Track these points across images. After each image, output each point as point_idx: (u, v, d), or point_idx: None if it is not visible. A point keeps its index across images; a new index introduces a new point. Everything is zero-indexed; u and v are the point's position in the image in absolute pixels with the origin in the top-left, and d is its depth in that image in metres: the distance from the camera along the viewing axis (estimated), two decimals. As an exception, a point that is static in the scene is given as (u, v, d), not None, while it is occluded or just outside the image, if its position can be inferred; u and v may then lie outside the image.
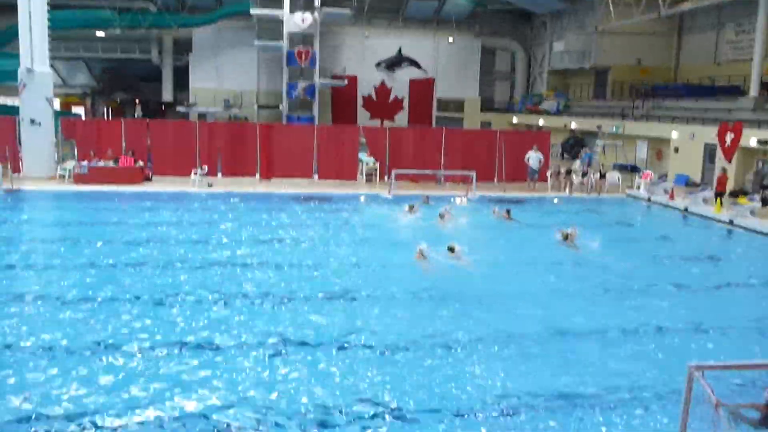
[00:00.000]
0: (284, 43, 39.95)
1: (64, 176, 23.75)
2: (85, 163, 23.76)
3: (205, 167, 25.10)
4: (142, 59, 45.67)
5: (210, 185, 24.00)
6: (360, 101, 46.90)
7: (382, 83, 47.26)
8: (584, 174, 26.74)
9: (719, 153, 25.92)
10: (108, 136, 25.63)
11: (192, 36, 44.47)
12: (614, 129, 33.32)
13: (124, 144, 25.47)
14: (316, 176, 26.59)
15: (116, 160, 24.10)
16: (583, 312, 11.48)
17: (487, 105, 49.91)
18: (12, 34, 29.20)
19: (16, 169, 24.03)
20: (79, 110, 47.24)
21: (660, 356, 9.58)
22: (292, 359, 9.06)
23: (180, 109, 43.79)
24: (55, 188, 22.76)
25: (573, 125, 39.15)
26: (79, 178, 23.31)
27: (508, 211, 19.60)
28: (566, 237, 16.44)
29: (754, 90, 27.84)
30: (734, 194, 24.10)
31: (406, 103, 47.64)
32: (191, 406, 7.62)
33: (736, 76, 31.46)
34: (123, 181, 23.42)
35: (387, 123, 44.33)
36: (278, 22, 40.12)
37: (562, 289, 12.87)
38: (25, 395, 7.69)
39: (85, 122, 28.99)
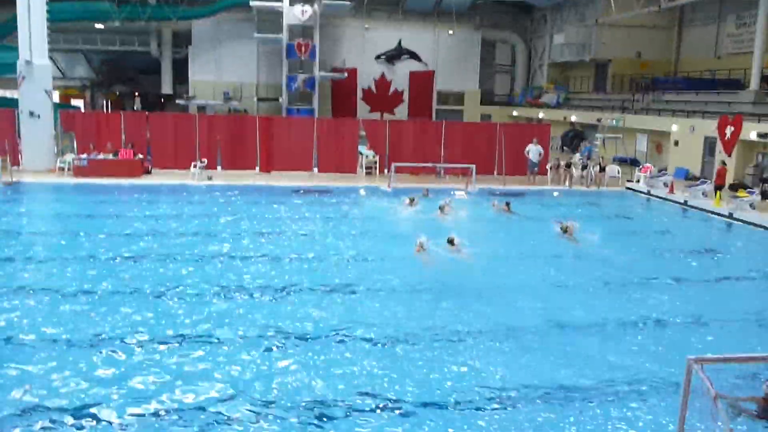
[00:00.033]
0: (284, 36, 39.84)
1: (63, 169, 23.73)
2: (84, 155, 23.73)
3: (205, 160, 25.07)
4: (142, 52, 45.56)
5: (210, 178, 23.99)
6: (360, 94, 46.82)
7: (382, 76, 47.17)
8: (584, 167, 26.72)
9: (719, 146, 25.92)
10: (107, 128, 25.59)
11: (191, 28, 44.32)
12: (614, 122, 33.29)
13: (123, 137, 25.44)
14: (315, 169, 26.58)
15: (116, 153, 24.08)
16: (582, 305, 11.51)
17: (487, 98, 49.83)
18: (11, 27, 29.10)
19: (16, 162, 24.02)
20: (78, 103, 47.24)
21: (659, 349, 9.60)
22: (291, 352, 9.07)
23: (179, 101, 43.70)
24: (55, 181, 22.74)
25: (573, 118, 39.11)
26: (78, 171, 23.29)
27: (507, 204, 19.61)
28: (565, 230, 16.46)
29: (754, 83, 27.81)
30: (734, 188, 24.10)
31: (406, 96, 47.55)
32: (190, 398, 7.64)
33: (736, 70, 31.41)
34: (122, 174, 23.40)
35: (387, 116, 44.25)
36: (278, 15, 40.00)
37: (561, 282, 12.89)
38: (25, 387, 7.71)
39: (84, 115, 28.98)
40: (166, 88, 46.26)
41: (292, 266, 13.45)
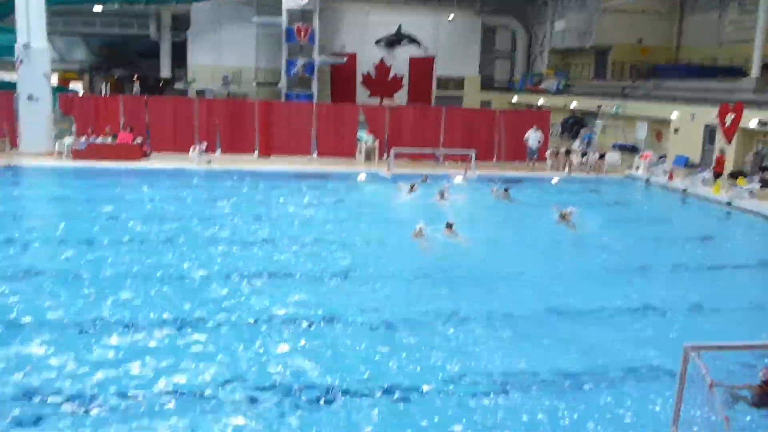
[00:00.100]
0: (283, 20, 39.63)
1: (62, 152, 23.67)
2: (83, 139, 23.66)
3: (204, 144, 25.01)
4: (141, 35, 45.28)
5: (209, 162, 23.94)
6: (359, 79, 46.63)
7: (382, 61, 46.93)
8: (584, 154, 26.69)
9: (719, 134, 25.88)
10: (106, 112, 25.50)
11: (190, 12, 44.06)
12: (614, 109, 33.20)
13: (122, 120, 25.37)
14: (314, 154, 26.54)
15: (114, 137, 24.01)
16: (580, 291, 11.53)
17: (487, 84, 49.65)
18: (9, 9, 28.90)
19: (14, 145, 23.96)
20: (77, 86, 47.01)
21: (656, 336, 9.63)
22: (288, 336, 9.10)
23: (178, 85, 43.49)
24: (53, 164, 22.69)
25: (573, 105, 39.00)
26: (77, 154, 23.22)
27: (506, 190, 19.61)
28: (564, 216, 16.47)
29: (755, 71, 27.68)
30: (733, 175, 24.09)
31: (405, 81, 47.36)
32: (189, 382, 7.67)
33: (737, 57, 31.29)
34: (121, 157, 23.34)
35: (386, 101, 44.09)
36: (277, -2, 39.77)
37: (558, 269, 12.91)
38: (26, 370, 7.74)
39: (83, 98, 28.83)
40: (165, 71, 46.02)
41: (291, 250, 13.46)
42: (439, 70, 47.32)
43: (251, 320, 9.60)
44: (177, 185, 20.24)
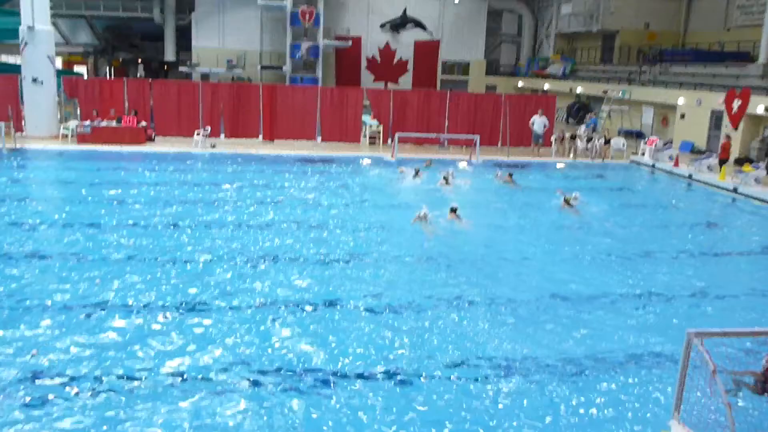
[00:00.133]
0: (288, 3, 39.44)
1: (66, 135, 23.68)
2: (87, 122, 23.67)
3: (208, 128, 24.99)
4: (145, 18, 45.15)
5: (213, 146, 23.93)
6: (364, 63, 46.44)
7: (387, 45, 46.74)
8: (589, 139, 26.58)
9: (725, 120, 25.74)
10: (110, 95, 25.49)
11: (195, -6, 43.94)
12: (620, 94, 33.04)
13: (126, 104, 25.35)
14: (319, 138, 26.50)
15: (119, 120, 24.01)
16: (584, 277, 11.53)
17: (492, 68, 49.43)
18: (13, -9, 28.87)
19: (19, 128, 23.97)
20: (81, 69, 46.95)
21: (659, 322, 9.64)
22: (291, 320, 9.13)
23: (182, 69, 43.41)
24: (58, 147, 22.70)
25: (579, 90, 38.80)
26: (81, 138, 23.24)
27: (510, 175, 19.58)
28: (568, 202, 16.44)
29: (763, 56, 27.51)
30: (739, 162, 23.99)
31: (410, 66, 47.17)
32: (192, 365, 7.71)
33: (745, 42, 31.05)
34: (125, 140, 23.36)
35: (391, 85, 43.96)
36: (282, -19, 39.59)
37: (562, 254, 12.90)
38: (32, 353, 7.79)
39: (87, 81, 28.80)
40: (170, 55, 45.94)
41: (295, 234, 13.48)
42: (445, 55, 47.12)
43: (254, 304, 9.63)
44: (181, 169, 20.24)
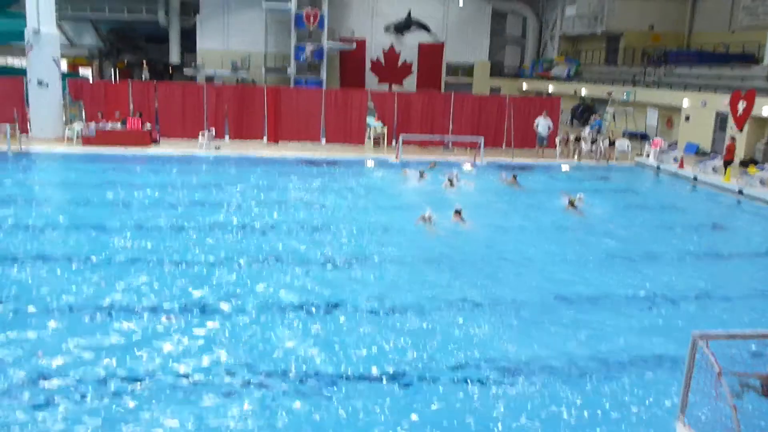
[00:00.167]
0: (292, 5, 39.50)
1: (71, 138, 23.74)
2: (92, 124, 23.73)
3: (213, 130, 25.04)
4: (149, 20, 45.27)
5: (217, 148, 23.98)
6: (368, 65, 46.47)
7: (391, 47, 46.75)
8: (593, 141, 26.54)
9: (730, 121, 25.67)
10: (115, 98, 25.55)
11: (199, -4, 44.01)
12: (625, 96, 32.98)
13: (131, 106, 25.41)
14: (323, 140, 26.51)
15: (124, 122, 24.07)
16: (588, 278, 11.51)
17: (496, 70, 49.38)
18: (18, -6, 28.97)
19: (24, 131, 24.06)
20: (86, 72, 47.09)
21: (664, 324, 9.62)
22: (294, 321, 9.13)
23: (187, 71, 43.48)
24: (63, 150, 22.76)
25: (583, 91, 38.75)
26: (86, 140, 23.31)
27: (514, 177, 19.57)
28: (572, 203, 16.43)
29: (768, 58, 27.44)
30: (744, 163, 23.93)
31: (414, 68, 47.17)
32: (195, 368, 7.72)
33: (750, 44, 30.98)
34: (130, 143, 23.42)
35: (395, 87, 43.97)
36: (287, -17, 39.65)
37: (566, 256, 12.89)
38: (37, 354, 7.81)
39: (92, 84, 28.91)
40: (174, 57, 46.03)
41: (299, 236, 13.49)
42: (449, 57, 47.10)
43: (258, 306, 9.64)
44: (186, 171, 20.27)
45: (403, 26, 46.22)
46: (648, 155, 25.80)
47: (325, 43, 40.22)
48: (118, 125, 23.85)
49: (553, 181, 21.25)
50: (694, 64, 32.80)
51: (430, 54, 46.77)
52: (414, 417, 6.91)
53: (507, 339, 8.84)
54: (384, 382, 7.59)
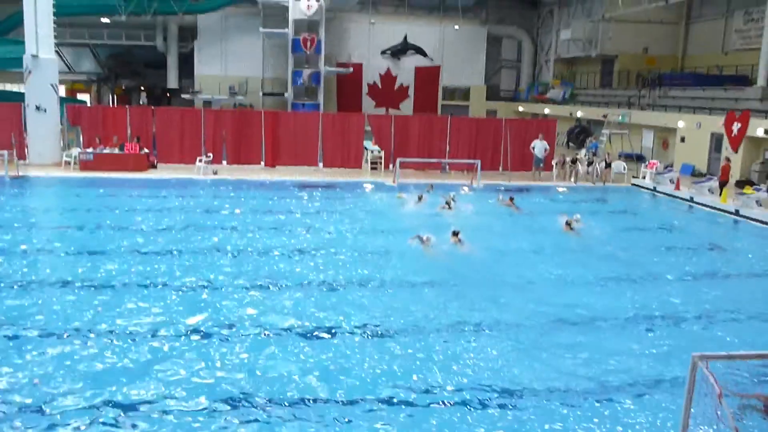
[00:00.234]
0: (290, 30, 39.86)
1: (69, 163, 23.78)
2: (90, 149, 23.79)
3: (210, 155, 25.10)
4: (148, 46, 45.59)
5: (215, 173, 24.02)
6: (365, 89, 46.76)
7: (388, 71, 47.12)
8: (590, 163, 26.65)
9: (725, 142, 25.82)
10: (113, 122, 25.64)
11: (197, 22, 44.33)
12: (620, 118, 33.21)
13: (129, 131, 25.49)
14: (321, 164, 26.59)
15: (121, 147, 24.13)
16: (585, 300, 11.47)
17: (493, 93, 49.74)
18: (17, 21, 29.16)
19: (22, 156, 24.09)
20: (84, 97, 47.29)
21: (663, 345, 9.57)
22: (290, 345, 9.08)
23: (185, 96, 43.72)
24: (61, 175, 22.79)
25: (579, 114, 38.99)
26: (84, 165, 23.35)
27: (511, 199, 19.63)
28: (570, 224, 16.44)
29: (761, 79, 27.67)
30: (740, 184, 24.02)
31: (411, 91, 47.49)
32: (190, 394, 7.66)
33: (743, 66, 31.26)
34: (128, 168, 23.46)
35: (392, 111, 44.22)
36: (284, 9, 40.02)
37: (563, 278, 12.86)
38: (34, 381, 7.75)
39: (90, 109, 29.03)
40: (172, 82, 46.30)
41: (296, 260, 13.46)
42: (445, 80, 47.48)
43: (254, 330, 9.58)
44: (183, 195, 20.28)
45: (400, 50, 46.64)
46: (644, 177, 25.91)
47: (323, 68, 40.53)
48: (116, 150, 23.91)
49: (550, 203, 21.30)
50: (688, 86, 33.09)
51: (427, 78, 47.14)
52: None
53: (506, 361, 8.79)
54: (382, 406, 7.53)
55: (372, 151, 26.90)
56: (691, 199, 22.22)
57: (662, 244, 16.26)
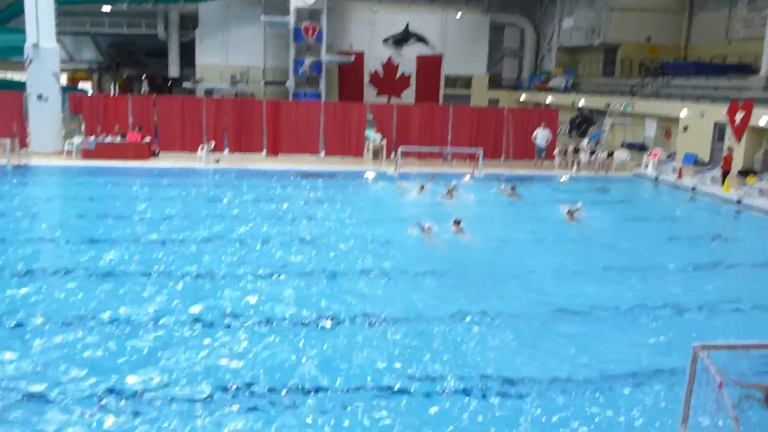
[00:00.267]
0: (291, 19, 39.68)
1: (71, 151, 23.77)
2: (92, 138, 23.77)
3: (212, 143, 25.08)
4: (149, 34, 45.43)
5: (217, 161, 24.01)
6: (367, 78, 46.60)
7: (389, 60, 46.88)
8: (592, 152, 26.60)
9: (728, 132, 25.74)
10: (115, 111, 25.61)
11: (198, 11, 44.15)
12: (623, 107, 33.08)
13: (131, 119, 25.47)
14: (322, 153, 26.57)
15: (123, 136, 24.12)
16: (587, 290, 11.48)
17: (495, 82, 49.53)
18: (18, 9, 29.06)
19: (24, 145, 24.09)
20: (86, 86, 47.22)
21: (665, 335, 9.59)
22: (291, 335, 9.10)
23: (186, 85, 43.62)
24: (63, 163, 22.79)
25: (581, 103, 38.86)
26: (86, 154, 23.35)
27: (513, 188, 19.60)
28: (571, 214, 16.43)
29: (765, 68, 27.52)
30: (743, 173, 23.97)
31: (413, 80, 47.30)
32: (193, 383, 7.69)
33: (747, 55, 31.11)
34: (130, 156, 23.45)
35: (394, 100, 44.07)
36: (285, -3, 39.83)
37: (565, 267, 12.86)
38: (37, 369, 7.78)
39: (92, 98, 28.95)
40: (174, 71, 46.14)
41: (297, 249, 13.47)
42: (447, 69, 47.23)
43: (257, 319, 9.61)
44: (185, 184, 20.28)
45: (402, 39, 46.39)
46: (647, 166, 25.85)
47: (324, 57, 40.37)
48: (118, 139, 23.90)
49: (552, 193, 21.27)
50: (691, 75, 32.90)
51: (429, 66, 46.91)
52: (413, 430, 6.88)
53: (507, 350, 8.81)
54: (383, 395, 7.55)
55: (373, 140, 26.84)
56: (694, 189, 22.18)
57: (664, 234, 16.25)
